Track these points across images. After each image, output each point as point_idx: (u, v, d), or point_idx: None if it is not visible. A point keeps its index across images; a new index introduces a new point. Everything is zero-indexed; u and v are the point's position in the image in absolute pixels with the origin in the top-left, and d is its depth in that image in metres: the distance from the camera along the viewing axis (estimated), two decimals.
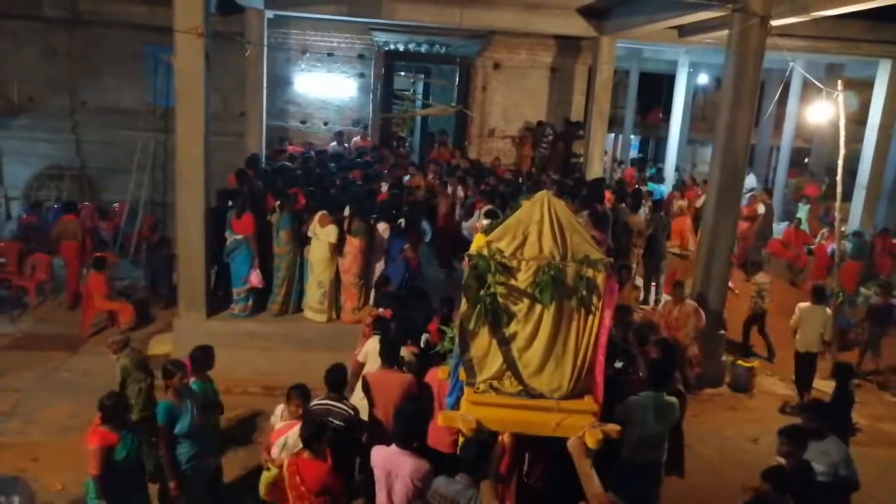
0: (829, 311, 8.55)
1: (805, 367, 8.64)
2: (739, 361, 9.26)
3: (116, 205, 13.28)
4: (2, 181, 13.89)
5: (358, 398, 5.50)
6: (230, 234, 8.27)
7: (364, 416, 5.29)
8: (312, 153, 12.94)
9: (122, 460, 4.70)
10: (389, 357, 5.35)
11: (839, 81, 9.24)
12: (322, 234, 8.13)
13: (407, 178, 11.60)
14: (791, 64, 9.82)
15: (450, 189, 11.37)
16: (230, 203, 8.50)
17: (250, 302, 8.52)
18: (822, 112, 10.66)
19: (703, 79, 20.01)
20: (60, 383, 8.16)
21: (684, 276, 10.06)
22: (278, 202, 8.48)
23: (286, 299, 8.54)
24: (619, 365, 5.68)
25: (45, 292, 10.58)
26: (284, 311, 8.55)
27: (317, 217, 8.17)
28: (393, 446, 4.24)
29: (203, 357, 5.61)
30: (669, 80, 18.78)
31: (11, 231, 12.60)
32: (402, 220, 8.81)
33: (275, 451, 4.81)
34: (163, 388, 5.21)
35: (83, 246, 10.51)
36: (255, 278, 8.33)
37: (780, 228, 15.67)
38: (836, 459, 4.73)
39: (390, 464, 4.21)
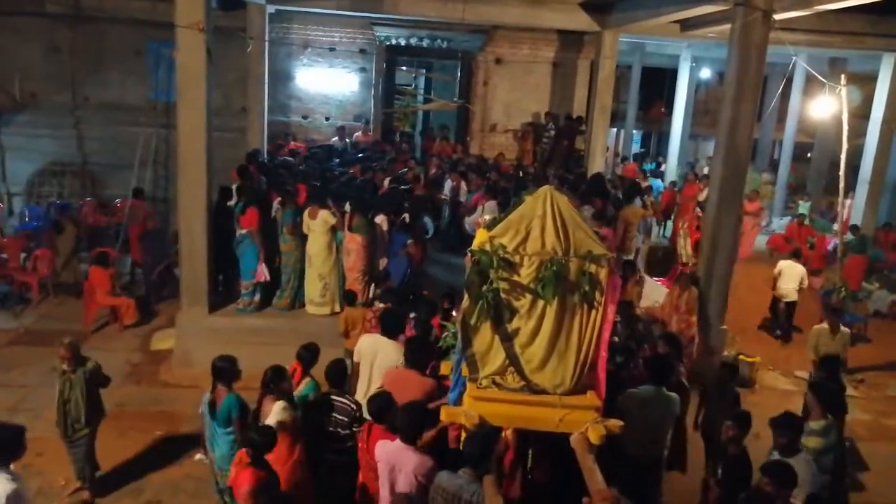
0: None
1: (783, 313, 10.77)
2: (741, 356, 9.26)
3: (118, 200, 13.28)
4: (4, 177, 13.90)
5: (361, 394, 5.50)
6: (238, 228, 8.30)
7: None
8: (319, 148, 12.93)
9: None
10: (414, 358, 5.23)
11: (842, 75, 9.21)
12: (316, 225, 8.15)
13: (405, 171, 11.59)
14: (794, 58, 9.80)
15: (452, 183, 11.37)
16: (232, 198, 8.51)
17: (257, 297, 8.54)
18: (825, 106, 10.63)
19: (705, 73, 19.95)
20: None
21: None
22: (280, 198, 8.49)
23: (293, 294, 8.58)
24: (619, 360, 5.69)
25: (47, 288, 10.59)
26: (293, 306, 8.59)
27: (306, 213, 8.20)
28: (397, 441, 4.25)
29: (310, 356, 5.55)
30: (672, 74, 18.72)
31: (14, 227, 12.61)
32: (405, 216, 8.81)
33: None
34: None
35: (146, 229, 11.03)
36: (262, 272, 8.35)
37: (782, 223, 15.65)
38: (803, 477, 4.30)
39: (394, 459, 4.21)
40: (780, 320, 10.91)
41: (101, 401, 6.03)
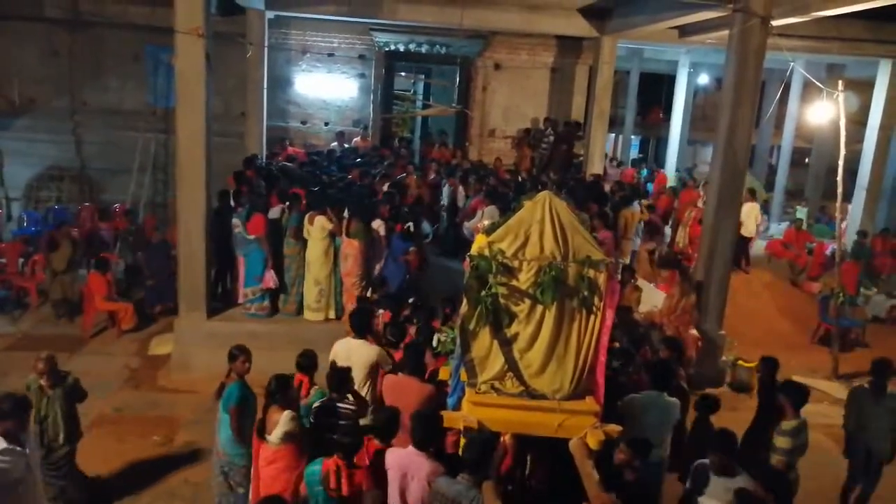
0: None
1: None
2: (740, 362, 9.25)
3: (117, 206, 13.28)
4: (2, 182, 13.89)
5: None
6: (243, 233, 8.29)
7: None
8: (325, 151, 12.97)
9: None
10: (413, 365, 5.16)
11: (840, 81, 9.23)
12: (315, 230, 8.17)
13: (403, 176, 11.60)
14: (792, 64, 9.82)
15: (450, 188, 11.38)
16: (231, 204, 8.51)
17: (266, 302, 8.54)
18: (823, 112, 10.66)
19: (703, 79, 19.99)
20: None
21: None
22: (287, 203, 8.51)
23: (298, 298, 8.60)
24: (616, 364, 5.67)
25: (46, 293, 10.57)
26: (299, 311, 8.59)
27: (306, 218, 8.22)
28: (410, 448, 4.19)
29: (310, 363, 5.56)
30: (670, 80, 18.78)
31: (12, 232, 12.60)
32: (410, 224, 8.81)
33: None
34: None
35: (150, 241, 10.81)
36: (270, 279, 8.34)
37: (780, 228, 15.67)
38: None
39: (406, 465, 4.16)
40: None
41: (79, 419, 5.74)
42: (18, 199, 13.97)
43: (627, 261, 9.95)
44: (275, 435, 4.80)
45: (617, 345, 5.88)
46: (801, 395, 5.43)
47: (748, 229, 12.36)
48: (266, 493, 4.66)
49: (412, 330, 6.25)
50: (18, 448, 4.32)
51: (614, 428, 4.17)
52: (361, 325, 5.87)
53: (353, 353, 5.69)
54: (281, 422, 4.79)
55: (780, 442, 5.27)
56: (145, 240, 11.03)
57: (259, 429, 4.92)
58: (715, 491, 4.23)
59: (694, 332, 8.24)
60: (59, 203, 13.70)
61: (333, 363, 5.54)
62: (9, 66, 13.59)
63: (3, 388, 7.73)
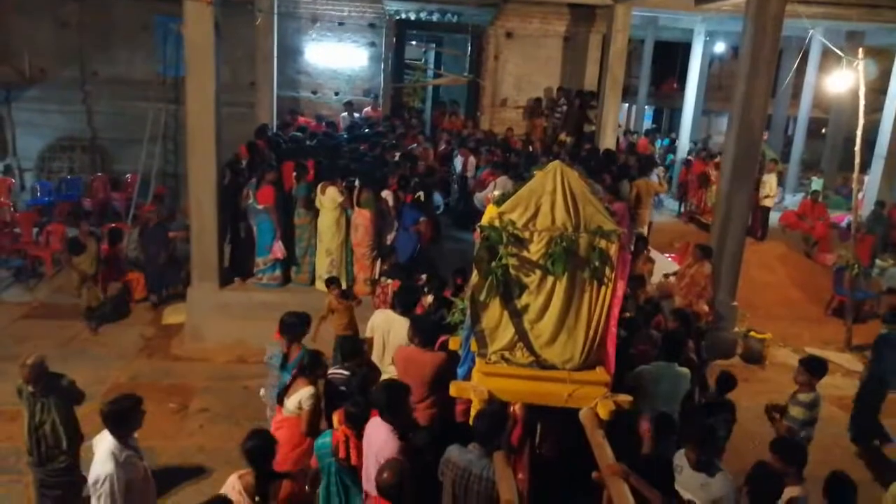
0: None
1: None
2: (752, 333, 9.24)
3: (129, 176, 13.32)
4: (15, 153, 13.94)
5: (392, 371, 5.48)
6: (254, 203, 8.29)
7: None
8: (330, 124, 12.89)
9: None
10: (424, 337, 5.09)
11: (860, 49, 9.04)
12: (326, 201, 8.16)
13: (414, 146, 11.52)
14: (811, 31, 9.61)
15: (461, 159, 11.31)
16: (245, 174, 8.51)
17: (277, 272, 8.57)
18: (842, 81, 10.45)
19: (719, 47, 19.63)
20: (77, 352, 8.28)
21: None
22: (295, 173, 8.50)
23: (311, 269, 8.61)
24: (623, 334, 5.65)
25: (60, 262, 10.67)
26: (312, 281, 8.61)
27: (319, 188, 8.21)
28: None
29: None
30: (685, 48, 18.44)
31: (25, 202, 12.69)
32: (420, 194, 8.78)
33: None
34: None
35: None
36: (278, 249, 8.37)
37: (795, 200, 15.50)
38: (719, 495, 3.99)
39: (370, 434, 4.17)
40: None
41: (78, 422, 5.24)
42: (31, 170, 14.02)
43: (644, 231, 9.88)
44: (291, 402, 4.86)
45: (627, 315, 5.88)
46: (820, 368, 5.45)
47: (770, 199, 12.41)
48: None
49: (426, 301, 6.26)
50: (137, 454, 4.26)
51: (625, 398, 4.17)
52: (407, 302, 5.82)
53: (393, 327, 5.68)
54: (299, 394, 4.85)
55: (795, 411, 5.30)
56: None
57: (280, 393, 5.01)
58: (689, 483, 4.08)
59: (704, 306, 8.16)
60: (71, 174, 13.75)
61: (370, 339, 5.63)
62: (19, 37, 13.53)
63: (19, 355, 7.91)
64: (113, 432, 4.09)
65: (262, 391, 6.51)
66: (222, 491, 3.89)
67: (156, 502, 4.58)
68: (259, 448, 3.97)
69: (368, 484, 4.14)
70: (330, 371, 5.20)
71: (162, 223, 9.88)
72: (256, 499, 3.88)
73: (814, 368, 5.41)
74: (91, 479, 4.01)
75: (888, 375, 7.17)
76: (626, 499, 3.53)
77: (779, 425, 5.33)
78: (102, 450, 4.06)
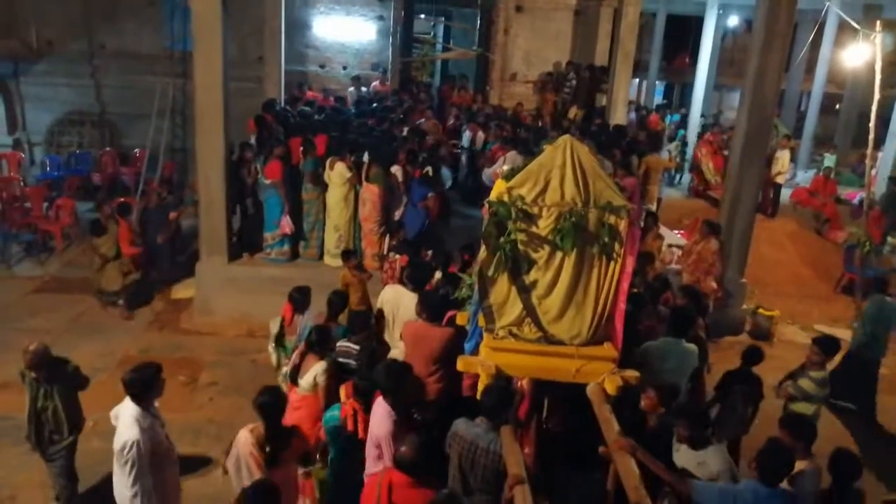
0: None
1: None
2: (760, 310, 9.22)
3: (137, 151, 13.32)
4: (24, 127, 13.95)
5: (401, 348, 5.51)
6: (262, 178, 8.30)
7: None
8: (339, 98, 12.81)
9: None
10: (432, 312, 5.09)
11: (877, 22, 8.88)
12: (334, 176, 8.14)
13: (422, 121, 11.44)
14: (827, 4, 9.44)
15: (469, 134, 11.23)
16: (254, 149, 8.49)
17: (286, 247, 8.58)
18: (858, 55, 10.27)
19: (732, 21, 19.33)
20: (88, 325, 8.35)
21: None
22: (302, 148, 8.47)
23: (319, 243, 8.62)
24: (629, 309, 5.62)
25: (70, 236, 10.73)
26: (320, 256, 8.63)
27: (327, 163, 8.19)
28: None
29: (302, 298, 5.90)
30: (697, 22, 18.16)
31: (35, 177, 12.73)
32: (428, 169, 8.74)
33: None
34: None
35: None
36: (286, 224, 8.37)
37: (807, 176, 15.35)
38: (716, 471, 3.97)
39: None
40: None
41: (81, 406, 5.25)
42: (40, 144, 14.05)
43: (653, 207, 9.81)
44: (305, 380, 4.90)
45: (635, 290, 5.85)
46: (834, 347, 5.50)
47: (782, 176, 12.37)
48: None
49: (433, 277, 6.25)
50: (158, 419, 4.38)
51: (632, 374, 4.17)
52: (419, 280, 5.80)
53: (402, 302, 5.69)
54: (313, 370, 4.88)
55: (805, 384, 5.39)
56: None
57: (293, 373, 5.02)
58: (687, 461, 4.09)
59: (713, 283, 8.13)
60: (80, 148, 13.76)
61: (380, 310, 5.67)
62: (26, 10, 13.46)
63: (32, 328, 8.01)
64: (135, 400, 4.19)
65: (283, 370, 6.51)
66: (234, 444, 4.06)
67: (177, 468, 4.63)
68: (271, 403, 4.09)
69: (368, 459, 4.21)
70: (339, 344, 5.22)
71: (163, 205, 9.74)
72: (267, 449, 4.00)
73: (828, 348, 5.48)
74: (117, 445, 4.09)
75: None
76: (632, 473, 3.54)
77: (782, 391, 5.37)
78: (126, 416, 4.15)
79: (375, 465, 4.15)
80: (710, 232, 8.15)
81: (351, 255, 7.26)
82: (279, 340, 6.05)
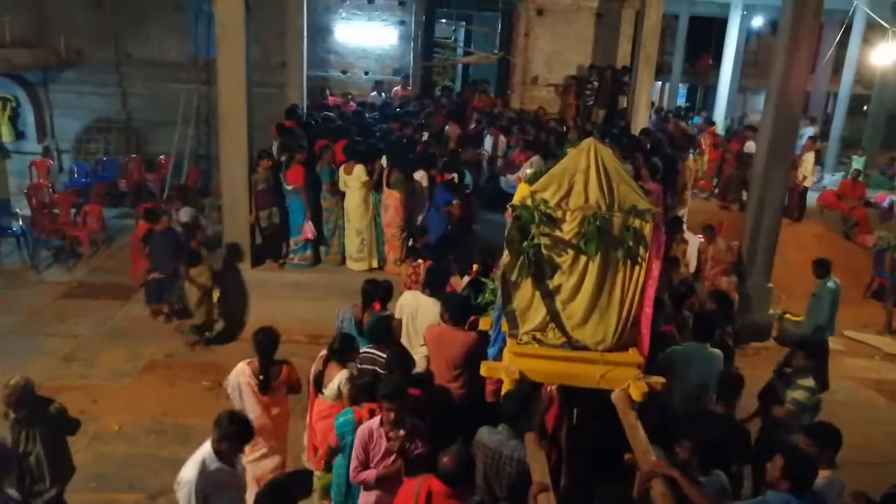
0: None
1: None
2: (787, 315, 9.07)
3: (162, 157, 13.49)
4: (53, 134, 14.20)
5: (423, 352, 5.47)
6: (284, 184, 8.35)
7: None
8: (362, 104, 12.87)
9: None
10: (455, 315, 5.05)
11: None
12: (352, 180, 8.16)
13: (447, 127, 11.43)
14: (855, 3, 9.29)
15: (491, 139, 11.20)
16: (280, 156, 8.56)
17: (309, 252, 8.62)
18: (887, 54, 10.10)
19: (757, 21, 19.11)
20: (115, 330, 8.45)
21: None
22: (318, 154, 8.51)
23: (340, 249, 8.66)
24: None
25: (97, 242, 10.88)
26: (343, 261, 8.66)
27: (342, 169, 8.21)
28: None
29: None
30: (721, 24, 18.00)
31: (63, 183, 12.94)
32: (454, 175, 8.72)
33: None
34: None
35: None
36: (308, 230, 8.41)
37: (834, 179, 15.11)
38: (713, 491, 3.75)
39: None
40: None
41: (70, 454, 4.70)
42: (68, 151, 14.28)
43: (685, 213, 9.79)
44: (329, 389, 4.89)
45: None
46: (819, 352, 5.37)
47: (808, 179, 12.37)
48: (320, 446, 4.83)
49: (458, 283, 6.22)
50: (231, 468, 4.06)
51: (658, 380, 4.11)
52: (437, 284, 5.76)
53: (421, 307, 5.67)
54: (336, 379, 4.87)
55: (799, 394, 5.07)
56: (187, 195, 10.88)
57: (317, 383, 5.01)
58: None
59: (726, 279, 8.13)
60: (107, 155, 13.97)
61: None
62: (55, 19, 13.71)
63: (60, 333, 8.13)
64: (215, 448, 3.91)
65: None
66: (231, 375, 4.84)
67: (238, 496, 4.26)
68: (266, 339, 4.85)
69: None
70: (363, 350, 5.20)
71: (171, 227, 8.79)
72: (261, 377, 4.78)
73: (813, 352, 5.27)
74: (178, 476, 3.89)
75: None
76: (665, 494, 3.41)
77: (778, 411, 5.12)
78: (195, 455, 3.94)
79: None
80: (709, 235, 8.56)
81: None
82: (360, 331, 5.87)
